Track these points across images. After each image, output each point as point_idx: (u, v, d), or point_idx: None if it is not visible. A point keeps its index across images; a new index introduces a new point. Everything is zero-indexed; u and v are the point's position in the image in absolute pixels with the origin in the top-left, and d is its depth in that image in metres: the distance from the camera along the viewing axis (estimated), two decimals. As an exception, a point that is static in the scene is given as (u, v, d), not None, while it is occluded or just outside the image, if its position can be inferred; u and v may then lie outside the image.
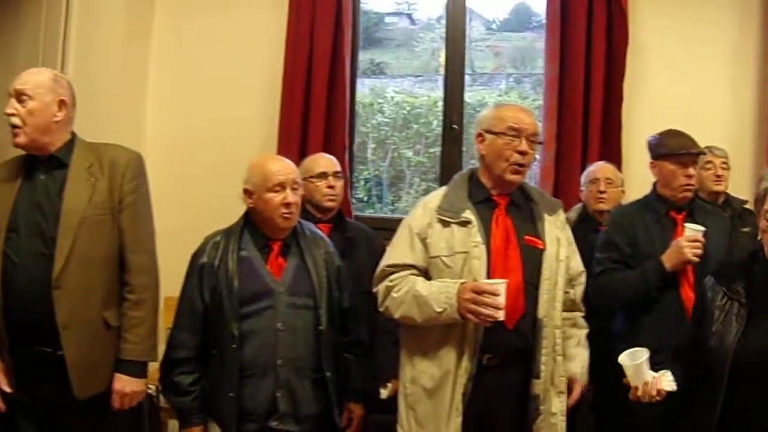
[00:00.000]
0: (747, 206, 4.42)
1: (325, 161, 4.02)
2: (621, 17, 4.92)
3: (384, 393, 3.65)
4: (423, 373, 2.96)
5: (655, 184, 3.71)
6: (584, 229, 4.10)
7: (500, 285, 2.74)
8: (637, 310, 3.51)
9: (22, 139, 2.90)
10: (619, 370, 2.82)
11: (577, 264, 3.16)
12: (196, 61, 5.21)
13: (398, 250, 3.06)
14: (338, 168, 3.99)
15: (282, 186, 3.10)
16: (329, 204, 3.88)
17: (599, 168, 4.42)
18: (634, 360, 2.64)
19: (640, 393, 2.63)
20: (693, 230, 3.41)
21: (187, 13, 5.25)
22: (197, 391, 3.10)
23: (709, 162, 4.38)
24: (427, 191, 3.20)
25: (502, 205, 3.03)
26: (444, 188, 3.17)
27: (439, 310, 2.82)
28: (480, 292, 2.73)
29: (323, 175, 3.90)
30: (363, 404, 3.37)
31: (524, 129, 2.97)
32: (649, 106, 5.05)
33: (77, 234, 2.88)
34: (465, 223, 2.93)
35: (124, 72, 4.84)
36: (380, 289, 3.04)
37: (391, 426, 3.11)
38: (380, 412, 3.52)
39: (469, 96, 5.90)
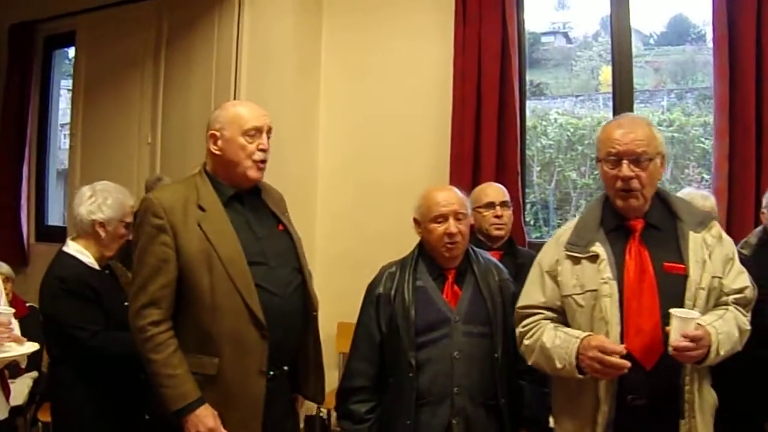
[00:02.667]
0: None
1: (492, 191, 4.08)
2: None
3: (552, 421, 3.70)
4: (567, 420, 2.89)
5: None
6: (766, 253, 4.00)
7: (691, 321, 2.55)
8: None
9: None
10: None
11: (734, 281, 2.80)
12: (363, 93, 5.40)
13: (529, 291, 2.96)
14: (506, 197, 4.04)
15: (444, 217, 3.14)
16: (497, 233, 3.95)
17: None
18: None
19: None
20: None
21: (353, 47, 5.43)
22: (373, 419, 3.17)
23: None
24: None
25: (637, 231, 2.81)
26: (578, 217, 3.05)
27: (559, 366, 2.72)
28: (606, 353, 2.58)
29: (490, 205, 3.98)
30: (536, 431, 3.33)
31: (623, 151, 2.74)
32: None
33: None
34: (594, 258, 2.77)
35: (295, 103, 5.04)
36: (517, 333, 2.95)
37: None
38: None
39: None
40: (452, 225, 3.13)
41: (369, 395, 3.20)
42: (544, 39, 7.02)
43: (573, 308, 2.80)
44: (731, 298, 2.79)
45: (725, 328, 2.66)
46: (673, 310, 2.57)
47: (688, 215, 2.86)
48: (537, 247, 4.46)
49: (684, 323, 2.54)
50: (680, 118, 6.07)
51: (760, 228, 4.21)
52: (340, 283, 3.40)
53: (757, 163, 4.64)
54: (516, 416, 3.21)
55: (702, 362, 2.62)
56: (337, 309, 3.39)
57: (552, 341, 2.76)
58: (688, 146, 5.91)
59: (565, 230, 2.96)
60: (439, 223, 3.15)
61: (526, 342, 2.88)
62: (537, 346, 2.82)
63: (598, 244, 2.79)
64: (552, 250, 2.93)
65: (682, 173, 6.03)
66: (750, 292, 2.83)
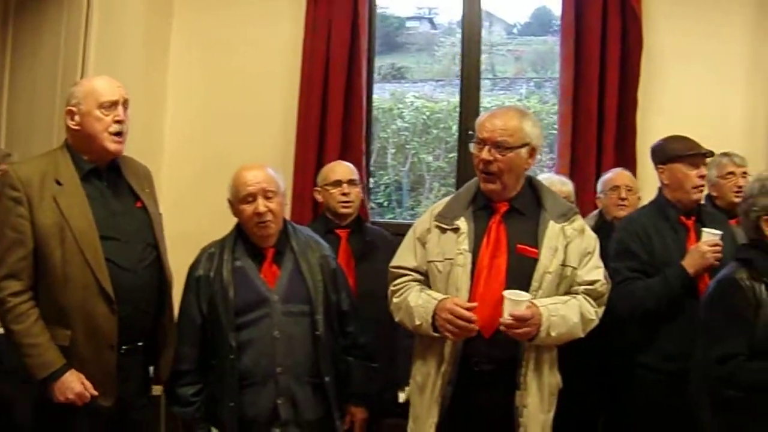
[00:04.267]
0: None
1: (340, 169, 4.07)
2: (635, 22, 4.91)
3: (402, 397, 3.71)
4: (417, 370, 3.05)
5: (661, 190, 3.72)
6: (601, 237, 3.99)
7: (522, 302, 2.73)
8: (656, 318, 3.49)
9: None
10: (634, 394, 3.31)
11: (588, 274, 2.98)
12: (213, 71, 5.29)
13: (402, 253, 3.13)
14: (354, 176, 4.03)
15: (253, 196, 3.12)
16: (344, 210, 3.93)
17: (619, 175, 4.42)
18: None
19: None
20: (712, 234, 3.42)
21: (204, 24, 5.32)
22: (200, 402, 3.14)
23: (730, 173, 4.30)
24: (446, 196, 3.20)
25: (500, 212, 2.98)
26: (453, 194, 3.21)
27: (417, 323, 2.91)
28: (458, 316, 2.76)
29: (337, 183, 3.96)
30: (366, 408, 3.38)
31: (487, 138, 2.92)
32: (664, 111, 5.03)
33: None
34: (456, 230, 2.94)
35: (142, 78, 4.89)
36: (389, 291, 3.11)
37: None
38: (396, 416, 3.58)
39: (488, 101, 5.92)
40: (261, 204, 3.11)
41: (194, 378, 3.17)
42: (408, 24, 6.99)
43: (434, 273, 2.98)
44: (582, 288, 2.97)
45: (562, 313, 2.86)
46: (505, 292, 2.75)
47: (553, 206, 3.02)
48: (387, 227, 4.49)
49: (514, 304, 2.73)
50: (537, 106, 6.14)
51: (596, 212, 4.31)
52: (185, 261, 3.29)
53: (598, 150, 4.76)
54: (343, 393, 3.25)
55: (532, 340, 2.81)
56: (181, 288, 3.30)
57: (416, 301, 2.94)
58: (542, 133, 5.98)
59: (441, 203, 3.12)
60: (248, 203, 3.13)
61: (395, 300, 3.06)
62: (403, 305, 3.00)
63: (463, 219, 2.97)
64: (425, 220, 3.10)
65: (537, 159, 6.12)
66: (601, 286, 3.00)
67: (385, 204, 6.17)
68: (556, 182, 4.27)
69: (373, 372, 3.41)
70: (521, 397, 2.87)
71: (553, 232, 2.92)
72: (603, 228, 4.20)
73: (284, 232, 3.24)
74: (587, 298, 2.96)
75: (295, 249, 3.22)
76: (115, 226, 2.98)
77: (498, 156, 2.89)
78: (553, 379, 3.00)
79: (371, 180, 5.66)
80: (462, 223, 2.95)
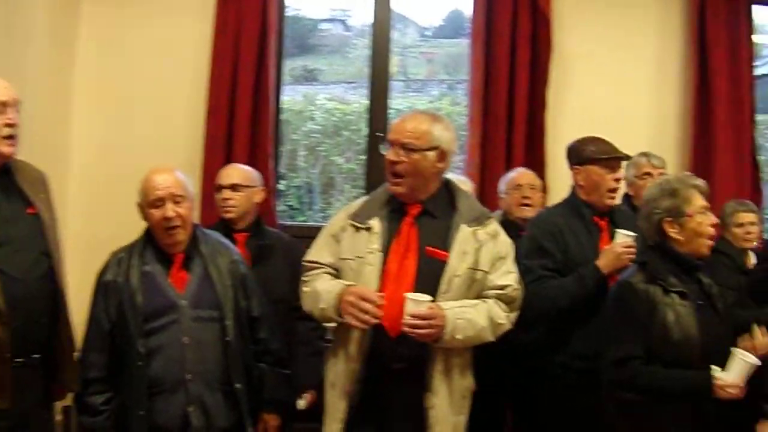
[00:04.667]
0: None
1: (224, 173, 3.97)
2: (545, 25, 4.97)
3: (301, 404, 3.64)
4: (330, 368, 3.04)
5: (574, 189, 3.73)
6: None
7: (423, 303, 2.73)
8: (569, 317, 3.50)
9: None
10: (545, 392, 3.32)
11: (499, 278, 2.99)
12: (120, 71, 5.14)
13: (316, 249, 3.13)
14: (235, 180, 3.88)
15: (162, 200, 3.05)
16: (226, 215, 3.84)
17: (522, 174, 4.40)
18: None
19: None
20: (626, 236, 3.43)
21: (112, 22, 5.18)
22: (110, 411, 3.05)
23: (647, 173, 4.35)
24: (357, 198, 3.19)
25: (412, 214, 2.98)
26: (369, 195, 3.20)
27: (322, 306, 2.92)
28: (363, 298, 2.77)
29: (219, 189, 3.88)
30: (278, 414, 3.32)
31: (395, 139, 2.94)
32: (573, 112, 5.10)
33: None
34: (369, 230, 2.95)
35: (47, 80, 4.75)
36: (300, 284, 3.11)
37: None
38: (302, 421, 3.54)
39: (400, 102, 5.92)
40: (169, 209, 3.04)
41: (103, 386, 3.07)
42: (321, 26, 6.97)
43: (346, 271, 2.99)
44: (492, 292, 2.97)
45: (469, 316, 2.85)
46: (407, 294, 2.77)
47: (466, 210, 3.02)
48: (298, 230, 4.43)
49: (415, 305, 2.74)
50: (448, 107, 6.15)
51: (499, 212, 4.31)
52: (97, 266, 3.19)
53: (508, 151, 4.77)
54: (256, 400, 3.20)
55: (437, 342, 2.81)
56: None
57: (323, 286, 2.96)
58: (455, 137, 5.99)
59: (356, 203, 3.14)
60: (157, 207, 3.06)
61: (305, 289, 3.07)
62: (311, 292, 3.00)
63: (376, 219, 2.98)
64: (340, 218, 3.11)
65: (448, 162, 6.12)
66: (513, 291, 3.01)
67: (296, 206, 6.12)
68: (456, 182, 4.24)
69: (285, 378, 3.36)
70: (429, 398, 2.87)
71: (464, 235, 2.93)
72: (507, 227, 4.07)
73: (193, 237, 3.17)
74: (498, 302, 2.96)
75: (204, 254, 3.15)
76: (4, 233, 2.84)
77: (404, 157, 2.90)
78: (464, 382, 3.00)
79: (282, 182, 5.59)
80: (375, 223, 2.96)
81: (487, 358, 3.17)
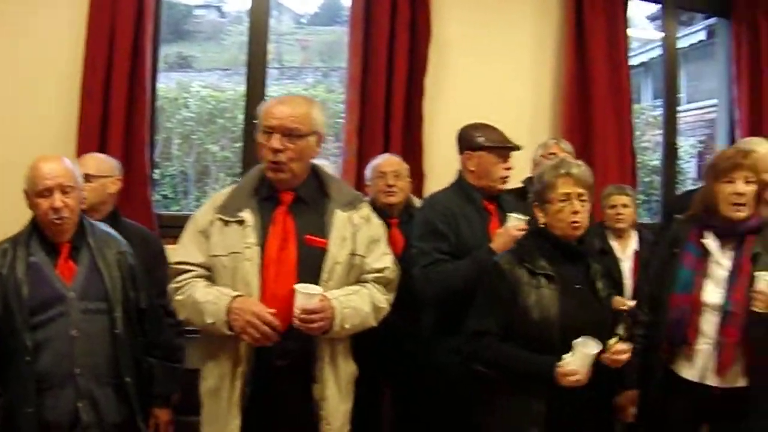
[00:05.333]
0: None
1: (79, 162, 3.70)
2: (424, 11, 4.99)
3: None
4: (209, 372, 2.90)
5: (461, 174, 3.75)
6: None
7: (314, 296, 2.68)
8: (461, 300, 3.38)
9: None
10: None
11: (376, 261, 2.98)
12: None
13: (184, 248, 2.96)
14: (88, 170, 3.60)
15: (50, 190, 2.93)
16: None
17: (386, 161, 4.39)
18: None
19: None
20: (518, 219, 3.45)
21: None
22: None
23: (552, 153, 4.40)
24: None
25: (286, 202, 2.89)
26: (235, 184, 3.10)
27: (209, 321, 2.76)
28: (264, 321, 2.66)
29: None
30: (169, 409, 3.25)
31: (277, 125, 2.82)
32: (451, 98, 5.12)
33: None
34: (241, 223, 2.83)
35: None
36: (170, 289, 2.94)
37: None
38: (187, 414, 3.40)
39: (275, 90, 5.90)
40: (57, 199, 2.92)
41: None
42: (196, 12, 6.89)
43: (218, 269, 2.85)
44: (371, 276, 2.96)
45: (353, 304, 2.84)
46: (296, 286, 2.68)
47: (338, 194, 2.98)
48: (173, 219, 4.33)
49: (306, 298, 2.66)
50: (323, 94, 6.16)
51: (368, 198, 4.29)
52: None
53: (385, 138, 4.78)
54: (145, 394, 3.12)
55: (327, 333, 2.77)
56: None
57: (204, 297, 2.78)
58: (328, 122, 5.98)
59: (221, 195, 2.99)
60: (44, 197, 2.93)
61: (178, 297, 2.88)
62: (189, 302, 2.83)
63: (247, 210, 2.85)
64: (206, 212, 2.95)
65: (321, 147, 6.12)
66: (390, 273, 3.02)
67: (171, 196, 6.02)
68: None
69: (175, 372, 3.30)
70: (319, 389, 2.84)
71: (340, 221, 2.89)
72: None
73: (80, 227, 3.07)
74: (377, 285, 2.96)
75: (92, 244, 3.05)
76: None
77: (288, 144, 2.80)
78: (349, 368, 2.98)
79: (156, 171, 5.47)
80: (247, 215, 2.84)
81: (367, 343, 3.16)
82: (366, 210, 3.03)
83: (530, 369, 2.93)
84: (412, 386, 3.87)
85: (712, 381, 3.16)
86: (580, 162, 3.17)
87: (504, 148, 3.68)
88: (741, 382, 3.16)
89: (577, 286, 3.05)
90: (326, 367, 2.84)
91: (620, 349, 2.90)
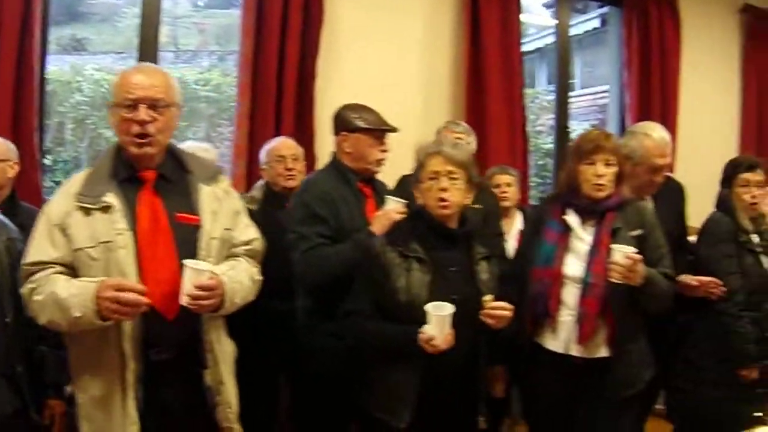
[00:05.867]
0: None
1: None
2: (317, -7, 4.96)
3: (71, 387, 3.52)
4: (91, 381, 2.64)
5: (336, 155, 3.75)
6: (273, 208, 4.08)
7: (204, 272, 2.55)
8: (342, 284, 3.36)
9: None
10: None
11: (243, 233, 2.90)
12: None
13: (38, 246, 2.65)
14: None
15: None
16: None
17: (283, 145, 4.36)
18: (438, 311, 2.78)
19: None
20: (396, 202, 3.46)
21: None
22: None
23: (445, 135, 4.43)
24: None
25: (149, 181, 2.70)
26: (89, 168, 2.81)
27: (78, 314, 2.46)
28: (119, 289, 2.42)
29: None
30: (63, 400, 3.01)
31: (143, 96, 2.59)
32: (343, 81, 5.14)
33: None
34: (107, 208, 2.59)
35: None
36: (24, 292, 2.64)
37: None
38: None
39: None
40: None
41: None
42: (91, -7, 6.77)
43: (86, 262, 2.58)
44: (241, 249, 2.87)
45: (238, 278, 2.73)
46: (186, 261, 2.53)
47: (199, 169, 2.84)
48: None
49: (197, 274, 2.52)
50: (219, 78, 6.12)
51: (261, 183, 4.29)
52: None
53: (277, 121, 4.77)
54: (37, 384, 2.99)
55: (217, 311, 2.65)
56: None
57: (68, 291, 2.49)
58: (223, 105, 5.95)
59: (76, 180, 2.70)
60: None
61: (36, 298, 2.57)
62: (50, 301, 2.53)
63: (111, 194, 2.61)
64: (61, 202, 2.66)
65: (215, 131, 6.09)
66: (258, 244, 2.94)
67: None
68: (198, 150, 4.18)
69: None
70: (213, 375, 2.73)
71: (207, 195, 2.78)
72: (272, 199, 4.22)
73: None
74: (248, 258, 2.89)
75: None
76: None
77: (156, 115, 2.62)
78: (231, 348, 2.87)
79: (48, 157, 5.37)
80: (112, 199, 2.61)
81: (250, 325, 3.16)
82: (225, 182, 2.93)
83: (396, 341, 2.97)
84: (300, 370, 3.83)
85: (575, 351, 3.28)
86: (459, 143, 3.23)
87: (381, 131, 3.68)
88: (603, 353, 3.28)
89: (453, 269, 3.07)
90: (215, 350, 2.73)
91: (498, 305, 2.95)
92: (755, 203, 4.01)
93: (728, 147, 7.71)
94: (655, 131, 3.99)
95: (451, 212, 3.07)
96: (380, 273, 3.04)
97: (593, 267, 3.25)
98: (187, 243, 2.66)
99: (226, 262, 2.78)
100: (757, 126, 7.82)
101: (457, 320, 2.82)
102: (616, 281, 3.16)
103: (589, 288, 3.24)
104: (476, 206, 3.77)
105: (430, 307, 2.81)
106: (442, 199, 3.04)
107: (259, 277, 2.89)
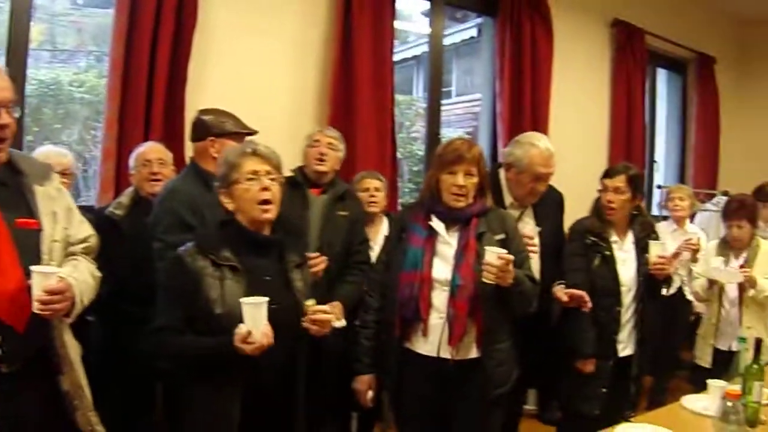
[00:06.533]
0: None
1: None
2: (191, -4, 4.95)
3: None
4: None
5: (195, 160, 3.83)
6: (139, 213, 4.06)
7: (52, 275, 2.51)
8: None
9: None
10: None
11: (79, 231, 2.85)
12: None
13: None
14: None
15: None
16: None
17: (150, 149, 4.39)
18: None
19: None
20: None
21: None
22: None
23: (316, 140, 4.51)
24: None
25: None
26: None
27: None
28: None
29: None
30: None
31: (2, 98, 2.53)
32: (214, 85, 5.13)
33: None
34: None
35: None
36: None
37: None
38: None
39: (45, 73, 5.75)
40: None
41: None
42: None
43: None
44: (78, 248, 2.84)
45: (82, 278, 2.70)
46: (33, 268, 2.47)
47: (31, 169, 2.75)
48: None
49: (45, 278, 2.48)
50: (94, 80, 6.04)
51: (131, 189, 4.27)
52: None
53: (145, 126, 4.73)
54: None
55: (69, 314, 2.61)
56: None
57: None
58: (98, 108, 5.88)
59: None
60: None
61: None
62: None
63: None
64: None
65: (89, 134, 6.01)
66: (94, 240, 2.94)
67: None
68: (53, 155, 4.23)
69: None
70: (69, 379, 2.68)
71: (42, 197, 2.70)
72: (140, 205, 4.21)
73: None
74: (85, 256, 2.86)
75: None
76: None
77: (8, 118, 2.56)
78: (78, 349, 2.80)
79: None
80: None
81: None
82: (57, 180, 2.86)
83: (212, 351, 2.77)
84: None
85: (446, 353, 3.34)
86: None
87: (247, 133, 3.76)
88: (473, 353, 3.38)
89: (267, 278, 2.95)
90: (69, 354, 2.69)
91: (320, 309, 2.90)
92: (611, 207, 4.22)
93: (599, 155, 8.02)
94: (541, 141, 4.16)
95: (273, 216, 2.98)
96: (191, 283, 2.82)
97: (461, 270, 3.34)
98: (29, 249, 2.59)
99: (68, 263, 2.74)
100: (626, 135, 8.19)
101: (276, 329, 2.70)
102: (488, 282, 3.24)
103: (458, 290, 3.32)
104: (342, 213, 3.86)
105: (243, 299, 2.71)
106: (266, 201, 2.94)
107: (98, 274, 2.86)
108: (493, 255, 3.23)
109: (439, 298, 3.37)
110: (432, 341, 3.37)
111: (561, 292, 4.05)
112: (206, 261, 2.84)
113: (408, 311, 3.37)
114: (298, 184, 4.35)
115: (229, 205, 2.97)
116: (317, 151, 4.46)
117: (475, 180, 3.40)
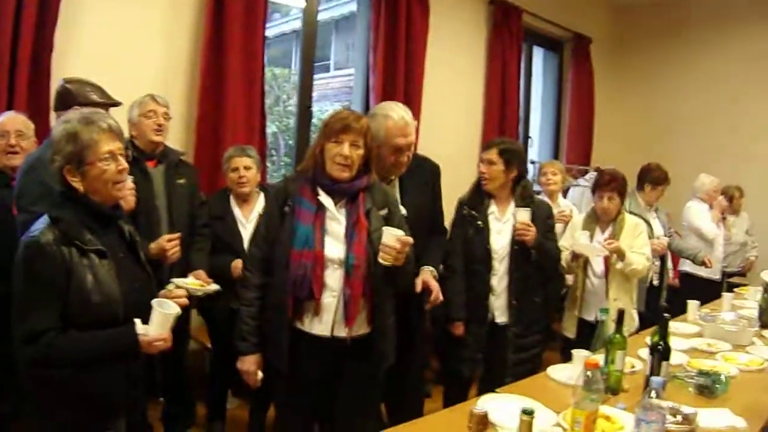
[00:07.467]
0: (183, 158, 4.71)
1: None
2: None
3: None
4: None
5: None
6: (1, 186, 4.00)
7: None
8: None
9: None
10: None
11: None
12: None
13: None
14: None
15: None
16: None
17: (9, 120, 4.24)
18: None
19: None
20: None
21: None
22: None
23: (151, 111, 4.43)
24: None
25: None
26: None
27: None
28: None
29: None
30: None
31: None
32: (82, 54, 5.02)
33: None
34: None
35: None
36: None
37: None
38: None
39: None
40: None
41: None
42: None
43: None
44: None
45: None
46: None
47: None
48: None
49: None
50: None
51: None
52: None
53: (10, 94, 4.62)
54: None
55: None
56: None
57: None
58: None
59: None
60: None
61: None
62: None
63: None
64: None
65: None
66: None
67: None
68: None
69: None
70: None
71: None
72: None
73: None
74: None
75: None
76: None
77: None
78: None
79: None
80: None
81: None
82: None
83: (113, 348, 2.66)
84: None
85: (341, 332, 3.31)
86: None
87: (112, 104, 3.75)
88: (365, 329, 3.39)
89: (122, 255, 2.83)
90: None
91: (179, 293, 2.95)
92: (485, 178, 4.46)
93: (474, 131, 8.17)
94: (395, 111, 4.04)
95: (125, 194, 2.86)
96: (61, 275, 2.59)
97: (354, 248, 3.28)
98: None
99: None
100: (500, 111, 8.37)
101: (141, 308, 2.69)
102: (385, 263, 3.24)
103: (353, 269, 3.26)
104: (180, 181, 3.87)
105: (156, 303, 2.68)
106: (120, 181, 2.81)
107: None
108: (392, 237, 3.22)
109: (333, 277, 3.29)
110: (326, 321, 3.31)
111: (418, 279, 4.06)
112: (72, 248, 2.62)
113: (301, 291, 3.26)
114: (134, 158, 4.20)
115: (78, 185, 2.71)
116: (154, 122, 4.43)
117: (361, 152, 3.34)
